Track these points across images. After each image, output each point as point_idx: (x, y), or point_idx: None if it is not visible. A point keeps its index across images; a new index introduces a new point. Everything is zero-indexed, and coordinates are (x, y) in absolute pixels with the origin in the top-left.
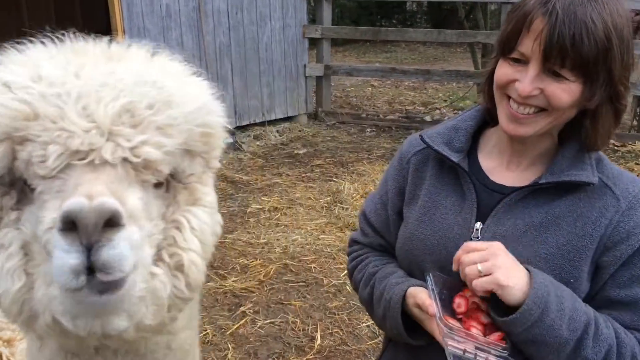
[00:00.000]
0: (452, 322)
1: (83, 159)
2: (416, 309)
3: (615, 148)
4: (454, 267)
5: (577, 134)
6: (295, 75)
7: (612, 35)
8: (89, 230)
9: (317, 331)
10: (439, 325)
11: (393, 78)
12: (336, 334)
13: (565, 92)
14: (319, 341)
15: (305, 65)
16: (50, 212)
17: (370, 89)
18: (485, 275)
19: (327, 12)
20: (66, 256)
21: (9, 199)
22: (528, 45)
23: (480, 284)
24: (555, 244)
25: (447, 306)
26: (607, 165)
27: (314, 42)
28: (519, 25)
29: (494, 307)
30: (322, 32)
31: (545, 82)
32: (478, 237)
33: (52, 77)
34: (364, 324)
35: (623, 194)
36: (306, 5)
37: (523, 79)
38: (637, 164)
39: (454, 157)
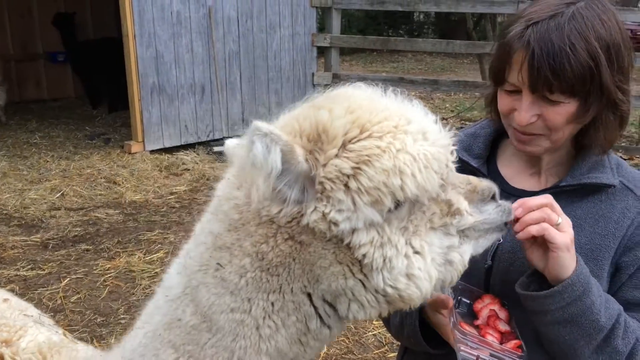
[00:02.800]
0: (468, 329)
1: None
2: (434, 314)
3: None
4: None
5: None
6: (304, 83)
7: (596, 51)
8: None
9: None
10: (452, 330)
11: (401, 88)
12: (342, 342)
13: (560, 114)
14: (324, 349)
15: (313, 74)
16: (462, 201)
17: None
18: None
19: (335, 21)
20: (498, 211)
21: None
22: (514, 76)
23: (554, 234)
24: (578, 244)
25: (466, 314)
26: (627, 169)
27: (322, 51)
28: (503, 58)
29: (526, 288)
30: (331, 40)
31: (541, 107)
32: (500, 241)
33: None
34: (370, 333)
35: None
36: (315, 14)
37: (519, 108)
38: None
39: (474, 163)
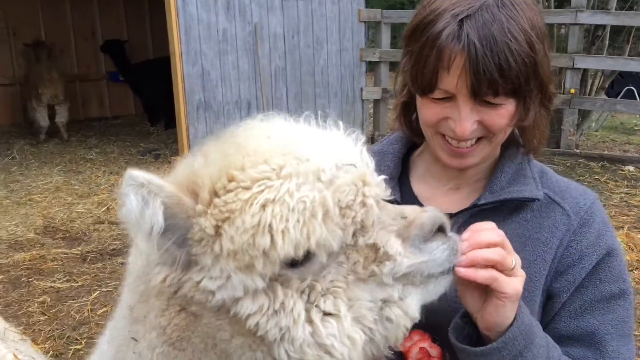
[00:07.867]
0: None
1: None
2: None
3: None
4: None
5: (513, 142)
6: (352, 99)
7: (533, 40)
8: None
9: None
10: None
11: None
12: None
13: (503, 116)
14: None
15: (362, 89)
16: (393, 243)
17: None
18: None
19: (385, 35)
20: (444, 250)
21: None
22: (451, 82)
23: (505, 284)
24: None
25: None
26: (552, 178)
27: (371, 66)
28: (435, 63)
29: (460, 339)
30: (380, 55)
31: (481, 113)
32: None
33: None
34: None
35: (573, 209)
36: (364, 29)
37: (457, 118)
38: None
39: None
